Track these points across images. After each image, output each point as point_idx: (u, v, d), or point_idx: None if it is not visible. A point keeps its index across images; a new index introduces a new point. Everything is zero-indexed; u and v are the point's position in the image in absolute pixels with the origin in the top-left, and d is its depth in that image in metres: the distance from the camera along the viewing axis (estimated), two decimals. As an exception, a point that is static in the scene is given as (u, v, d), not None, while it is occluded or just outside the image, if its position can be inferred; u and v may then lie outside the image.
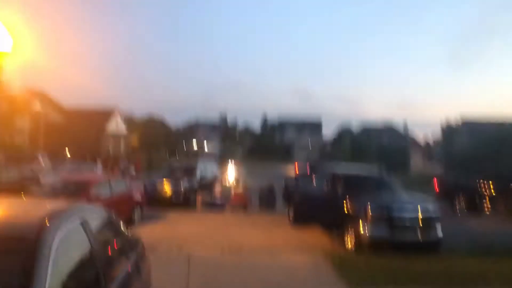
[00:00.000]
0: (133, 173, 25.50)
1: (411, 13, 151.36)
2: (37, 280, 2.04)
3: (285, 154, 78.26)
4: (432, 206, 10.53)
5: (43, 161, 25.50)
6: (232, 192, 17.63)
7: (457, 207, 18.10)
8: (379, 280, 7.48)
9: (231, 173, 31.10)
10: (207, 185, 18.90)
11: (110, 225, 3.85)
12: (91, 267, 2.82)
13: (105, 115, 54.28)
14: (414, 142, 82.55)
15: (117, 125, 56.71)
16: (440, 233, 10.06)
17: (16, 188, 13.98)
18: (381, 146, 71.06)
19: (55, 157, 32.19)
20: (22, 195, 10.96)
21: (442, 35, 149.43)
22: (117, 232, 3.98)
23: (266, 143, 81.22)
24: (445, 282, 7.41)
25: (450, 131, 65.75)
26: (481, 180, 18.01)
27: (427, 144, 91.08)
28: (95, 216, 3.47)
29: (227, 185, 21.16)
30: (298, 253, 9.83)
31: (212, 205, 16.95)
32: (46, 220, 2.51)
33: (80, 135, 47.18)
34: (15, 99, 28.60)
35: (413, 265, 8.59)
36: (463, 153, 43.43)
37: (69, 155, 38.16)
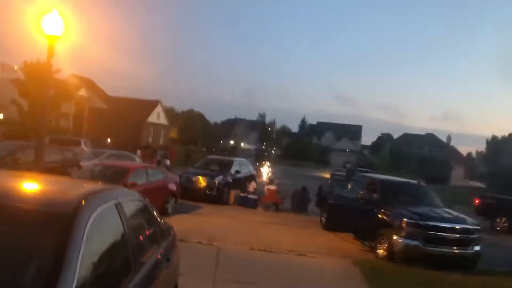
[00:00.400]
0: (168, 164, 25.83)
1: (464, 20, 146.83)
2: (70, 255, 2.06)
3: (322, 157, 77.56)
4: (471, 221, 10.16)
5: (85, 146, 26.30)
6: (266, 190, 17.57)
7: (498, 226, 17.41)
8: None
9: (266, 171, 31.07)
10: (241, 182, 18.91)
11: (144, 211, 3.88)
12: (122, 250, 2.84)
13: (148, 105, 55.37)
14: (456, 155, 79.90)
15: (158, 117, 57.77)
16: (478, 248, 9.68)
17: (57, 170, 14.43)
18: (422, 156, 69.27)
19: (97, 142, 33.12)
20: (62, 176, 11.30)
21: (494, 47, 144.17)
22: (151, 218, 4.01)
23: (303, 144, 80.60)
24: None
25: (496, 146, 63.37)
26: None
27: (470, 157, 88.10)
28: (130, 200, 3.49)
29: (261, 182, 21.13)
30: (328, 257, 9.69)
31: (245, 201, 16.97)
32: (83, 199, 2.54)
33: (122, 123, 48.34)
34: (62, 84, 29.55)
35: (446, 278, 8.30)
36: (508, 169, 41.74)
37: (110, 142, 39.16)
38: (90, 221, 2.38)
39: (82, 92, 45.41)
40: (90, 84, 53.32)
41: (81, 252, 2.13)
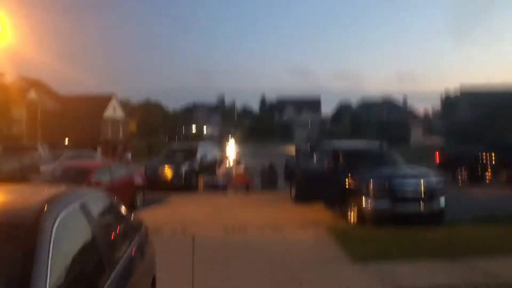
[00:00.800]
0: (129, 158, 25.40)
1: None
2: (38, 266, 1.99)
3: (285, 133, 78.21)
4: (434, 177, 10.52)
5: (42, 150, 25.45)
6: (233, 172, 17.59)
7: (459, 178, 18.13)
8: (383, 253, 7.49)
9: (231, 154, 31.08)
10: (208, 167, 18.86)
11: (111, 209, 3.80)
12: (93, 250, 2.78)
13: (102, 101, 53.99)
14: (414, 115, 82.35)
15: (114, 111, 56.47)
16: (443, 204, 10.06)
17: (16, 178, 13.95)
18: (381, 121, 70.99)
19: (54, 145, 32.11)
20: (22, 183, 10.93)
21: (442, 4, 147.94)
22: (119, 216, 3.94)
23: (265, 123, 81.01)
24: (449, 252, 7.42)
25: (449, 102, 65.53)
26: (482, 150, 18.01)
27: (427, 116, 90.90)
28: (95, 200, 3.41)
29: (228, 166, 21.13)
30: (301, 229, 9.85)
31: (214, 187, 16.95)
32: (45, 205, 2.45)
33: (78, 122, 47.01)
34: (9, 88, 28.33)
35: (417, 236, 8.63)
36: (463, 124, 43.39)
37: (68, 143, 38.04)
38: (55, 226, 2.30)
39: (32, 95, 43.74)
40: (39, 86, 51.35)
41: (49, 259, 2.06)
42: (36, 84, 49.76)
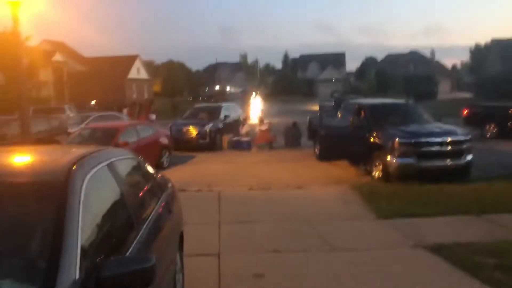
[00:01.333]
0: (154, 119, 25.60)
1: None
2: (69, 223, 2.06)
3: (309, 90, 77.32)
4: (461, 131, 10.35)
5: (69, 112, 25.94)
6: (257, 130, 17.63)
7: (487, 133, 17.76)
8: (408, 210, 7.48)
9: (255, 112, 31.06)
10: (232, 125, 18.92)
11: (138, 168, 3.88)
12: (122, 208, 2.86)
13: (127, 62, 54.19)
14: (442, 69, 79.98)
15: (138, 72, 56.70)
16: (469, 160, 9.91)
17: (46, 139, 14.31)
18: (408, 76, 69.22)
19: (82, 106, 32.65)
20: (51, 145, 11.22)
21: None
22: (146, 174, 4.02)
23: (288, 80, 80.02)
24: (475, 209, 7.36)
25: (479, 55, 63.21)
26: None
27: (456, 70, 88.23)
28: (122, 159, 3.48)
29: (252, 124, 21.16)
30: (326, 187, 9.90)
31: (238, 145, 17.07)
32: (74, 165, 2.52)
33: (103, 83, 47.51)
34: (35, 51, 28.61)
35: (442, 193, 8.54)
36: (493, 77, 41.90)
37: (94, 104, 38.60)
38: (84, 185, 2.36)
39: (57, 57, 44.15)
40: (64, 48, 51.79)
41: (80, 217, 2.13)
42: (61, 47, 50.19)
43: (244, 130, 17.98)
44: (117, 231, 2.66)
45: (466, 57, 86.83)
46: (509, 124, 17.35)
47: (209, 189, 9.65)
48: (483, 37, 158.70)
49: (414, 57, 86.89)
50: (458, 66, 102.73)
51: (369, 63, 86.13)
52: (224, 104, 20.84)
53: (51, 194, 2.23)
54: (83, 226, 2.12)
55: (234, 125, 19.04)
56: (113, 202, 2.83)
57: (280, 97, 64.08)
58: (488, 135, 17.67)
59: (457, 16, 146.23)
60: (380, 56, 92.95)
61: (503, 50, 49.46)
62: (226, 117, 18.74)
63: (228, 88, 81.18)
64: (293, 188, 9.74)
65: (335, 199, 8.60)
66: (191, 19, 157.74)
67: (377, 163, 10.24)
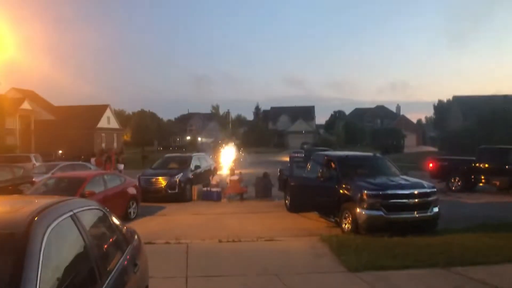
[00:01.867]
0: (122, 169, 25.22)
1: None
2: (28, 275, 1.98)
3: (279, 141, 78.29)
4: (427, 184, 10.58)
5: (35, 160, 25.32)
6: (228, 181, 17.56)
7: (452, 186, 18.21)
8: (377, 262, 7.47)
9: (226, 162, 31.03)
10: (202, 176, 18.82)
11: (103, 219, 3.78)
12: (85, 261, 2.76)
13: (97, 111, 53.94)
14: (407, 123, 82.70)
15: (109, 121, 56.37)
16: (436, 210, 10.10)
17: (9, 189, 13.84)
18: (375, 129, 71.22)
19: (48, 155, 31.95)
20: (14, 194, 10.84)
21: (434, 15, 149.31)
22: (111, 226, 3.91)
23: (259, 131, 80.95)
24: (443, 261, 7.41)
25: (442, 109, 65.87)
26: (475, 159, 18.13)
27: (420, 124, 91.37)
28: (87, 210, 3.40)
29: (222, 174, 21.08)
30: (296, 238, 9.83)
31: (208, 195, 16.90)
32: (35, 215, 2.44)
33: (72, 132, 46.89)
34: (3, 99, 28.21)
35: (411, 245, 8.60)
36: (456, 131, 43.53)
37: (61, 153, 37.84)
38: (46, 237, 2.29)
39: (26, 105, 43.57)
40: (33, 96, 51.29)
41: (39, 269, 2.05)
42: (30, 95, 49.69)
43: (214, 180, 17.87)
44: (79, 285, 2.55)
45: (430, 113, 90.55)
46: (472, 177, 17.89)
47: (177, 241, 9.41)
48: (446, 94, 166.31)
49: (380, 111, 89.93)
50: (423, 120, 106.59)
51: (337, 116, 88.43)
52: (194, 154, 20.79)
53: (11, 246, 2.15)
54: (43, 278, 2.03)
55: (205, 175, 18.94)
56: (76, 254, 2.73)
57: (251, 148, 64.50)
58: (453, 188, 18.12)
59: (421, 74, 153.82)
60: (348, 110, 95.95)
61: (464, 106, 51.75)
62: (196, 167, 18.65)
63: (199, 138, 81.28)
64: (263, 240, 9.60)
65: (305, 252, 8.51)
66: (164, 70, 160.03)
67: (346, 215, 10.28)
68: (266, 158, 41.86)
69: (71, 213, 2.88)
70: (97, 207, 3.78)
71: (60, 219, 2.64)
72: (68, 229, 2.75)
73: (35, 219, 2.39)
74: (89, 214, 3.41)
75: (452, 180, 18.35)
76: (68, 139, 44.39)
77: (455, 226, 10.53)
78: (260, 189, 17.18)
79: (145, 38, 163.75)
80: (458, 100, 56.39)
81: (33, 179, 15.87)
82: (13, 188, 14.24)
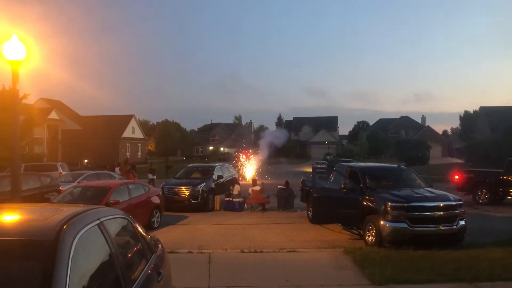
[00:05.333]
0: (153, 178, 25.48)
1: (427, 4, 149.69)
2: (57, 282, 2.03)
3: (302, 152, 77.95)
4: (453, 197, 10.37)
5: (62, 169, 25.84)
6: (250, 191, 17.56)
7: (479, 199, 17.80)
8: (401, 276, 7.34)
9: (248, 172, 31.05)
10: (225, 186, 18.87)
11: (128, 228, 3.84)
12: (111, 269, 2.81)
13: (122, 121, 54.84)
14: (433, 134, 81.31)
15: (133, 131, 57.20)
16: (462, 223, 9.87)
17: (36, 197, 14.15)
18: (399, 139, 70.26)
19: (74, 164, 32.57)
20: (41, 203, 11.07)
21: (461, 25, 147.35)
22: (136, 234, 3.97)
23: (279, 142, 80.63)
24: (469, 276, 7.23)
25: (468, 121, 64.62)
26: (502, 172, 17.70)
27: (446, 135, 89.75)
28: (113, 219, 3.46)
29: (245, 184, 21.11)
30: (319, 250, 9.75)
31: (231, 205, 16.93)
32: (64, 224, 2.50)
33: (97, 141, 47.75)
34: (31, 109, 28.96)
35: (436, 259, 8.43)
36: (483, 143, 42.59)
37: (87, 162, 38.54)
38: (74, 244, 2.34)
39: (53, 115, 44.69)
40: (60, 106, 52.54)
41: (68, 277, 2.10)
42: (57, 105, 50.92)
43: (236, 190, 17.89)
44: (105, 293, 2.59)
45: (455, 124, 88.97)
46: (500, 190, 17.46)
47: (199, 251, 9.46)
48: (472, 105, 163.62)
49: (405, 122, 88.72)
50: (449, 131, 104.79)
51: (361, 127, 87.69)
52: (217, 164, 20.89)
53: (41, 253, 2.21)
54: (72, 286, 2.08)
55: (227, 186, 18.98)
56: (102, 263, 2.79)
57: (274, 158, 64.45)
58: (480, 201, 17.71)
59: (447, 84, 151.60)
60: (372, 120, 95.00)
61: (491, 117, 50.69)
62: (219, 177, 18.73)
63: (222, 149, 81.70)
64: (285, 251, 9.56)
65: (328, 264, 8.44)
66: (188, 80, 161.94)
67: (370, 227, 10.15)
68: (289, 169, 41.72)
69: (98, 221, 2.94)
70: (122, 216, 3.84)
71: (87, 227, 2.70)
72: (95, 237, 2.81)
73: (64, 227, 2.46)
74: (115, 222, 3.47)
75: (479, 193, 17.93)
76: (94, 148, 45.24)
77: (482, 240, 10.28)
78: (282, 199, 17.11)
79: (170, 48, 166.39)
80: (485, 111, 55.28)
81: (60, 188, 16.19)
82: (40, 196, 14.55)
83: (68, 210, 3.23)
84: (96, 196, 11.22)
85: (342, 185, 11.59)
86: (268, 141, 36.75)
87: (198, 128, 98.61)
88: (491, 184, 17.72)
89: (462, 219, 9.91)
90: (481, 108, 59.33)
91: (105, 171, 23.47)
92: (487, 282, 7.00)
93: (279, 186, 17.67)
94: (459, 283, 7.00)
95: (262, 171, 32.07)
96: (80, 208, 3.14)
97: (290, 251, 9.53)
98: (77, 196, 11.77)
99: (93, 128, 49.85)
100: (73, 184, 15.64)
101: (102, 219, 3.06)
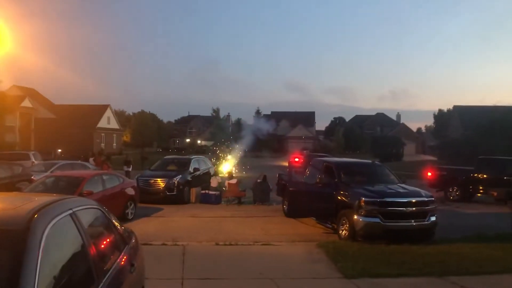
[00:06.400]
0: (129, 170, 25.17)
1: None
2: (27, 272, 2.00)
3: (279, 146, 78.19)
4: (425, 193, 10.59)
5: (34, 158, 25.29)
6: (227, 184, 17.55)
7: (451, 196, 18.21)
8: (373, 269, 7.48)
9: (224, 165, 30.99)
10: (201, 178, 18.80)
11: (102, 218, 3.80)
12: (83, 260, 2.78)
13: (97, 110, 53.94)
14: (407, 131, 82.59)
15: (109, 121, 56.37)
16: (434, 219, 10.11)
17: (7, 186, 13.84)
18: (374, 136, 71.19)
19: (47, 154, 31.93)
20: (13, 192, 10.84)
21: (436, 24, 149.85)
22: (109, 225, 3.93)
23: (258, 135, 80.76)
24: (439, 269, 7.43)
25: (442, 119, 65.91)
26: (474, 168, 18.14)
27: (420, 132, 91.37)
28: (86, 209, 3.41)
29: (221, 177, 21.08)
30: (293, 243, 9.84)
31: (207, 198, 16.89)
32: (35, 213, 2.46)
33: (71, 131, 46.88)
34: (4, 96, 28.22)
35: (407, 253, 8.62)
36: (455, 140, 43.54)
37: (61, 152, 37.83)
38: (45, 234, 2.31)
39: (26, 103, 43.58)
40: (34, 95, 51.29)
41: (38, 267, 2.07)
42: (31, 93, 49.69)
43: (212, 183, 17.85)
44: (76, 284, 2.57)
45: (430, 122, 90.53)
46: (470, 187, 17.90)
47: (174, 243, 9.42)
48: (447, 104, 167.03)
49: (381, 119, 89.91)
50: (423, 129, 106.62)
51: (337, 123, 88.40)
52: (193, 157, 20.78)
53: (10, 242, 2.17)
54: (42, 276, 2.05)
55: (204, 178, 18.93)
56: (74, 253, 2.75)
57: (251, 152, 64.48)
58: (451, 197, 18.12)
59: (422, 83, 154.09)
60: (348, 117, 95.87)
61: (464, 116, 51.74)
62: (195, 169, 18.65)
63: (199, 141, 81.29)
64: (260, 244, 9.62)
65: (302, 257, 8.52)
66: (166, 71, 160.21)
67: (343, 222, 10.29)
68: (265, 162, 41.84)
69: (70, 211, 2.90)
70: (96, 207, 3.79)
71: (59, 217, 2.66)
72: (67, 227, 2.77)
73: (35, 216, 2.41)
74: (88, 213, 3.42)
75: (450, 190, 18.34)
76: (68, 138, 44.39)
77: (452, 235, 10.54)
78: (258, 193, 17.17)
79: (148, 39, 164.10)
80: (459, 110, 56.40)
81: (32, 177, 15.85)
82: (11, 185, 14.23)
83: (39, 199, 3.17)
84: (69, 187, 11.02)
85: (317, 180, 11.70)
86: (254, 132, 36.59)
87: (176, 120, 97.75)
88: (462, 182, 18.15)
89: (433, 215, 10.14)
90: (455, 107, 60.49)
91: (79, 162, 23.06)
92: (455, 276, 7.20)
93: (255, 179, 17.73)
94: (429, 277, 7.19)
95: (239, 164, 32.04)
96: (52, 197, 3.09)
97: (264, 244, 9.59)
98: (49, 186, 11.56)
99: (67, 117, 48.86)
100: (46, 174, 15.33)
101: (74, 209, 3.01)
